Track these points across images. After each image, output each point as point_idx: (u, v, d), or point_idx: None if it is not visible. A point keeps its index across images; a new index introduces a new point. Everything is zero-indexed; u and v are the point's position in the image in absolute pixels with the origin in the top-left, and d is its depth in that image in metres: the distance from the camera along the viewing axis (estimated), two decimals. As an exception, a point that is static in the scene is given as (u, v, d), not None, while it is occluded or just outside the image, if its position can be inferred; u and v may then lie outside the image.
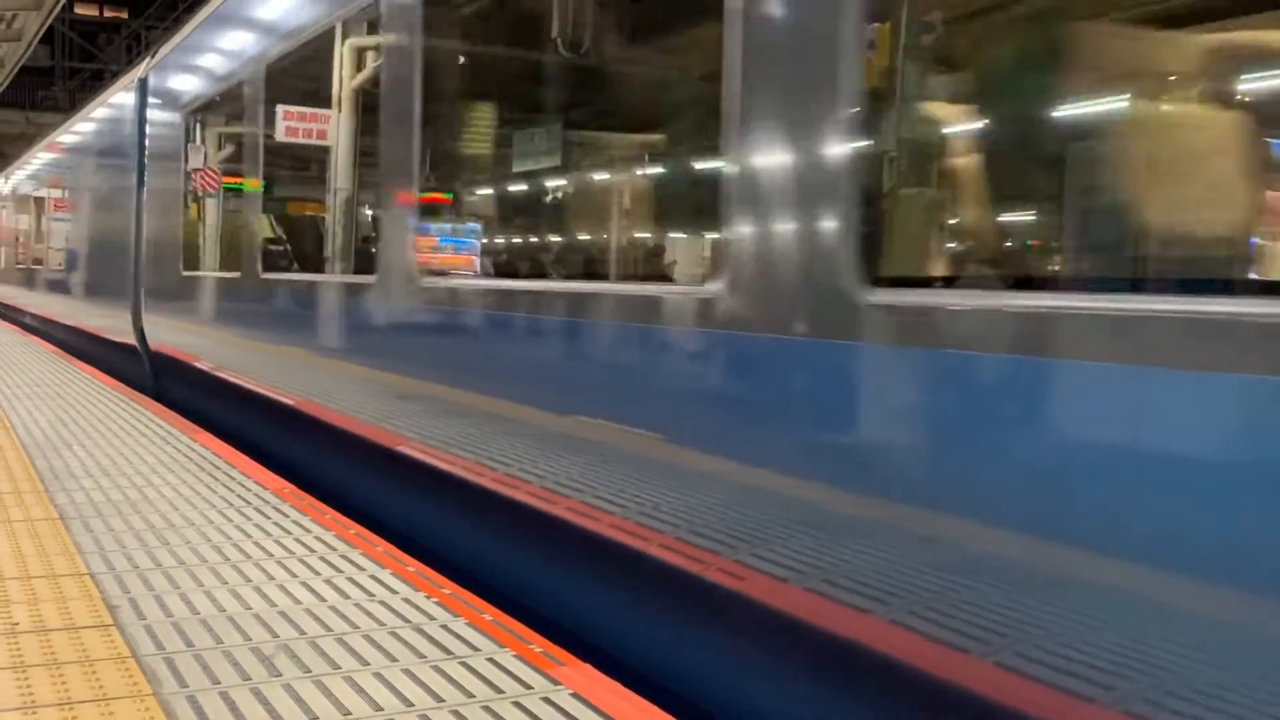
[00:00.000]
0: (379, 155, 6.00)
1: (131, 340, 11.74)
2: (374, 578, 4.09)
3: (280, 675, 3.11)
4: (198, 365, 9.65)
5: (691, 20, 5.14)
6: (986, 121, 3.89)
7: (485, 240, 6.13)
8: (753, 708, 3.42)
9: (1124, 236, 3.28)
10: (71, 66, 39.52)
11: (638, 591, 3.96)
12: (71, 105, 33.36)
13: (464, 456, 5.03)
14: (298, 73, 7.68)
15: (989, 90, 3.83)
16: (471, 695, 3.01)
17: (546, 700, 2.98)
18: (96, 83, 34.35)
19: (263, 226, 8.21)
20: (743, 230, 3.37)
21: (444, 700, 2.97)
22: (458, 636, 3.47)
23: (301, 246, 8.49)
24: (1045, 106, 3.66)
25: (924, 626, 2.72)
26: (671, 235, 5.75)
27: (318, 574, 4.12)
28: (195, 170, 9.83)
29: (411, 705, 2.93)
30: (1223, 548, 2.15)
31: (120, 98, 13.11)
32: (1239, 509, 2.13)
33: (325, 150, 7.27)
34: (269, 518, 5.01)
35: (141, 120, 11.59)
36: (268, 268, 7.97)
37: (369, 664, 3.22)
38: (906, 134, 3.51)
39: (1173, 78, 3.54)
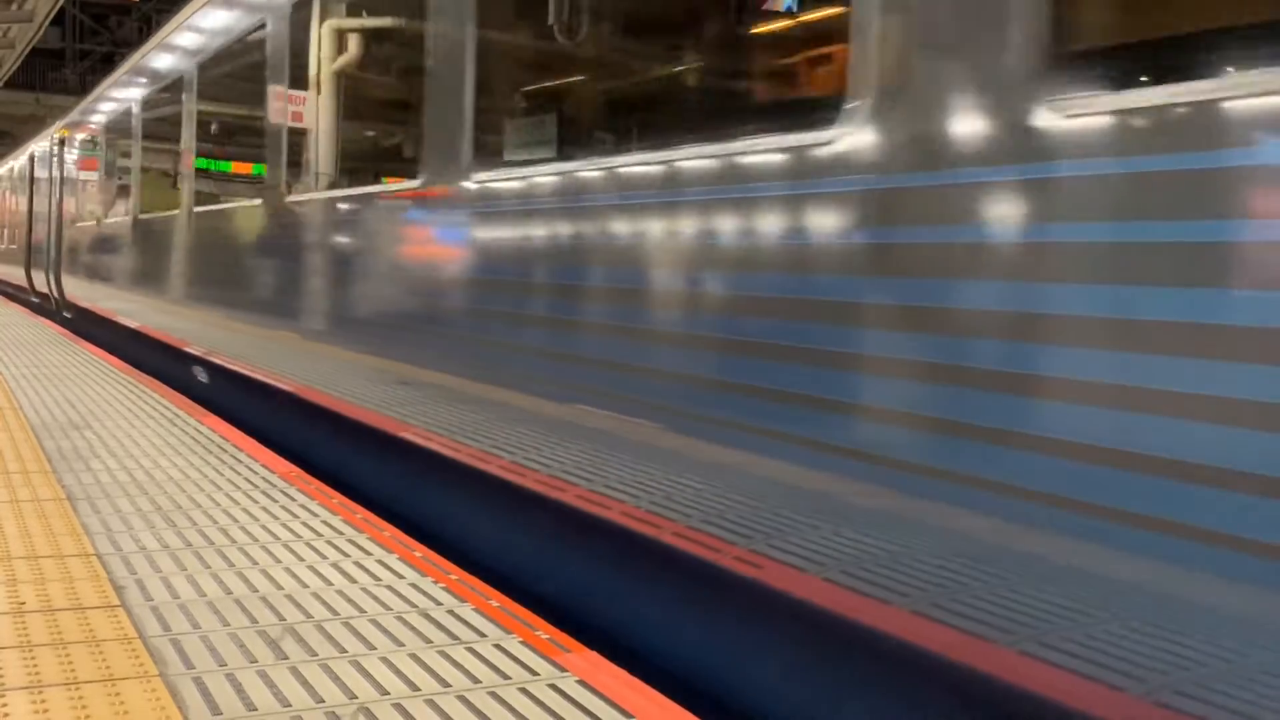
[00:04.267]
0: None
1: None
2: (381, 562, 4.08)
3: (287, 658, 3.10)
4: None
5: None
6: None
7: None
8: None
9: None
10: (82, 48, 39.54)
11: None
12: (82, 87, 33.38)
13: None
14: None
15: None
16: (478, 681, 3.00)
17: (553, 687, 2.97)
18: (107, 64, 34.33)
19: None
20: None
21: (450, 685, 2.96)
22: (464, 622, 3.47)
23: None
24: None
25: None
26: None
27: (324, 558, 4.12)
28: None
29: (418, 690, 2.92)
30: None
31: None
32: None
33: None
34: (276, 501, 5.01)
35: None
36: None
37: (375, 648, 3.21)
38: None
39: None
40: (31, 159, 21.62)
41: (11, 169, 25.93)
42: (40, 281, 19.69)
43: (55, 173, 17.98)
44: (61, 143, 17.68)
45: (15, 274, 23.36)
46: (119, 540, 4.24)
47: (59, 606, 3.46)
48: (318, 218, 6.60)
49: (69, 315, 17.35)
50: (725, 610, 3.64)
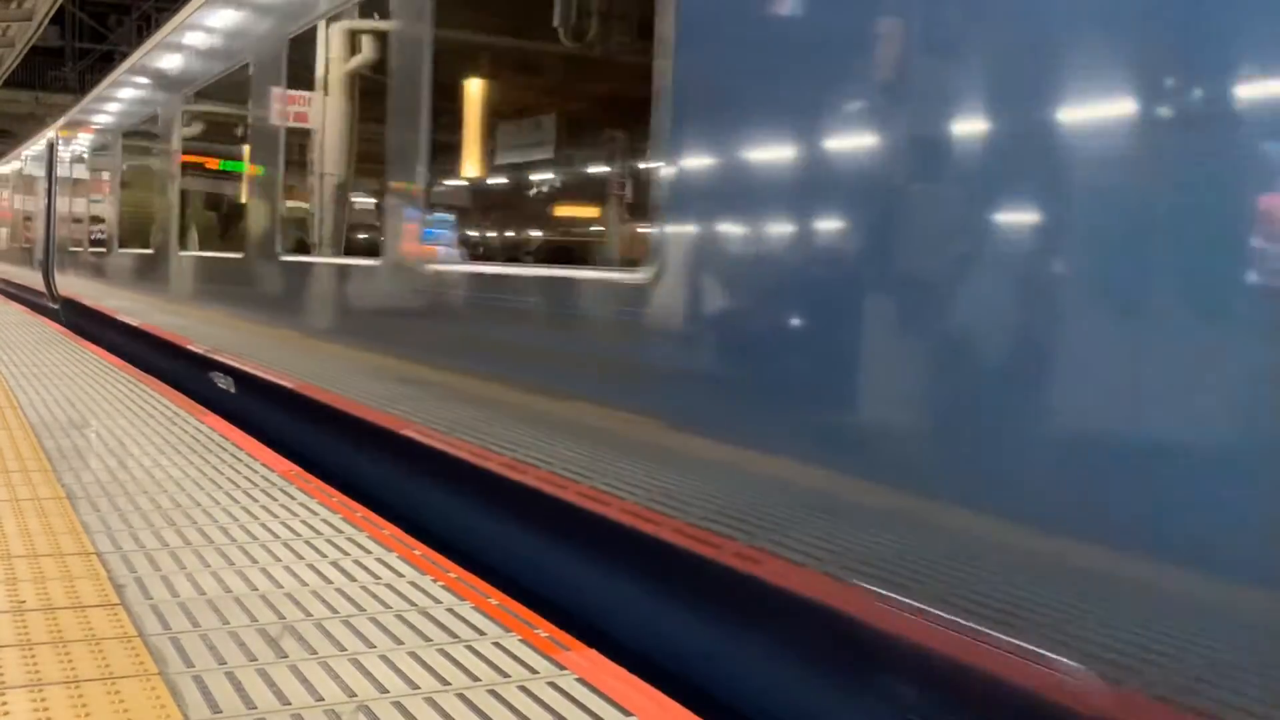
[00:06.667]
0: None
1: None
2: (380, 560, 4.09)
3: (286, 656, 3.11)
4: None
5: None
6: None
7: None
8: None
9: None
10: (81, 47, 39.51)
11: None
12: (81, 86, 33.39)
13: None
14: None
15: None
16: (477, 679, 3.00)
17: (552, 685, 2.98)
18: (106, 64, 34.30)
19: None
20: None
21: (450, 684, 2.97)
22: (463, 620, 3.47)
23: None
24: None
25: None
26: None
27: (324, 556, 4.12)
28: None
29: (417, 688, 2.92)
30: None
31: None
32: None
33: None
34: (275, 500, 5.01)
35: None
36: None
37: (375, 646, 3.22)
38: None
39: None
40: None
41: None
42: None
43: None
44: None
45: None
46: (119, 539, 4.24)
47: (59, 605, 3.46)
48: None
49: None
50: None
